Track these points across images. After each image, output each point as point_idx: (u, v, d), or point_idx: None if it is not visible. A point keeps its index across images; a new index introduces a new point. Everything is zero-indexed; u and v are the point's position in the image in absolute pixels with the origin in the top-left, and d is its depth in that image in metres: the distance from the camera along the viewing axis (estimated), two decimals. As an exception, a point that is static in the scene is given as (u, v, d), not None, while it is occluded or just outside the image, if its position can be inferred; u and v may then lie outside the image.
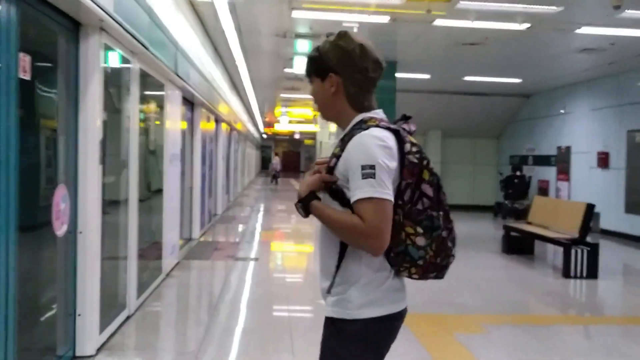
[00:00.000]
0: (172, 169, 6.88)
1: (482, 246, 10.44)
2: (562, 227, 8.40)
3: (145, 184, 5.95)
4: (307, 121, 28.92)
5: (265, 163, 50.09)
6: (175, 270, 7.04)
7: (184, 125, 8.76)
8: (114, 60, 4.50)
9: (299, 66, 11.52)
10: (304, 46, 10.52)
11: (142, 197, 5.69)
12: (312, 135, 32.72)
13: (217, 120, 13.44)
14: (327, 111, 1.96)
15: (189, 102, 9.35)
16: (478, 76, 13.01)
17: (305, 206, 1.82)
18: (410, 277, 1.85)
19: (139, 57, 5.05)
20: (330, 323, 1.83)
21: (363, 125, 1.80)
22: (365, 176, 1.68)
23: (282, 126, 31.05)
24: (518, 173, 15.58)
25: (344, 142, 1.81)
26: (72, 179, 3.86)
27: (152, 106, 6.18)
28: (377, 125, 1.79)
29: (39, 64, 3.45)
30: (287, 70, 12.87)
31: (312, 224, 11.13)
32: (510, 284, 7.36)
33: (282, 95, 19.01)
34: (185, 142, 9.26)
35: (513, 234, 9.45)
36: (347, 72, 1.87)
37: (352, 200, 1.71)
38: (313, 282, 6.87)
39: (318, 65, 1.91)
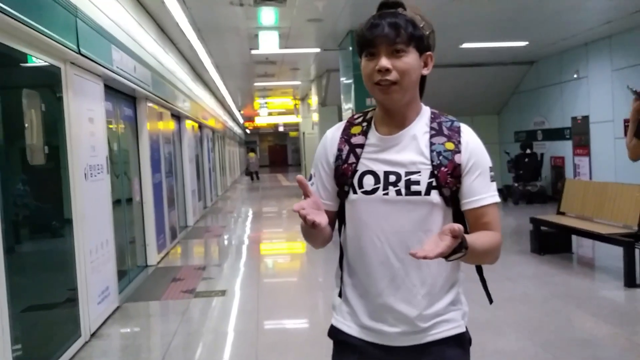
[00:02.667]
0: (90, 186, 4.98)
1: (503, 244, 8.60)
2: (611, 218, 6.58)
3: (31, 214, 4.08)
4: (288, 112, 27.01)
5: (251, 160, 48.91)
6: (108, 324, 5.15)
7: (118, 126, 6.83)
8: None
9: (266, 45, 9.62)
10: (270, 17, 8.61)
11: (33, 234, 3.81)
12: (295, 127, 30.92)
13: (179, 118, 11.53)
14: (410, 92, 1.62)
15: (129, 97, 7.45)
16: (477, 42, 11.15)
17: (466, 250, 1.43)
18: None
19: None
20: (463, 340, 1.70)
21: (454, 118, 1.69)
22: (492, 179, 1.63)
23: (263, 119, 29.17)
24: (528, 151, 13.78)
25: (446, 136, 1.62)
26: None
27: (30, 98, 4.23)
28: None
29: None
30: (254, 52, 10.93)
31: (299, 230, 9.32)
32: (561, 304, 5.48)
33: (256, 84, 17.06)
34: (127, 146, 7.36)
35: (544, 228, 7.62)
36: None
37: (482, 203, 1.60)
38: (317, 326, 4.97)
39: (422, 36, 1.59)
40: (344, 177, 1.67)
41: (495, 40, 11.14)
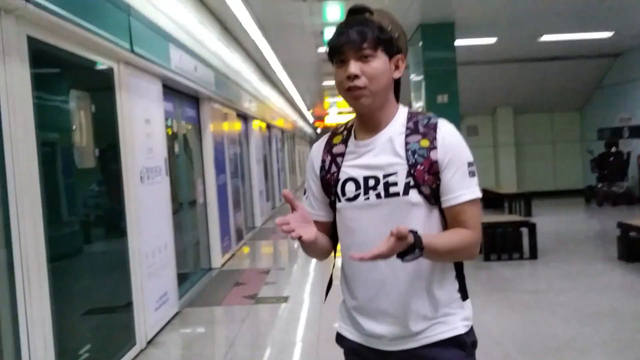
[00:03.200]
0: (147, 189, 4.85)
1: (585, 249, 7.96)
2: None
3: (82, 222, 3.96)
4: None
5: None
6: (165, 331, 5.01)
7: (180, 127, 6.73)
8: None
9: (333, 41, 9.30)
10: (335, 12, 8.32)
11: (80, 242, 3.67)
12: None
13: (246, 118, 11.44)
14: (380, 96, 1.62)
15: (192, 98, 7.35)
16: (557, 33, 10.44)
17: (421, 250, 1.45)
18: None
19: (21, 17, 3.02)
20: (461, 342, 1.66)
21: (431, 115, 1.67)
22: (472, 174, 1.61)
23: (332, 118, 28.92)
24: (613, 150, 12.87)
25: (421, 134, 1.62)
26: None
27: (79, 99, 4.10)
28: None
29: None
30: (320, 50, 10.67)
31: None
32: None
33: (325, 83, 16.83)
34: (189, 147, 7.27)
35: (632, 234, 6.94)
36: (405, 57, 1.67)
37: (458, 201, 1.59)
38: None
39: (390, 39, 1.60)
40: (329, 186, 1.70)
41: (577, 31, 10.41)
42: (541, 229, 7.42)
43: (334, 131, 1.78)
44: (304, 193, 1.81)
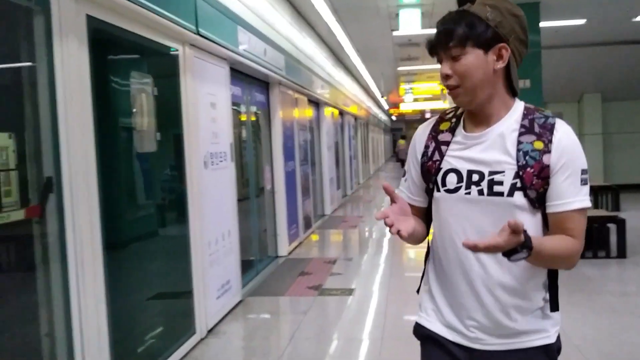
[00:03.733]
0: (211, 175, 4.74)
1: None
2: None
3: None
4: (434, 97, 25.98)
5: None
6: (227, 320, 4.91)
7: (249, 112, 6.61)
8: None
9: (407, 25, 8.98)
10: (411, -6, 7.96)
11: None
12: (443, 113, 29.75)
13: (317, 104, 11.27)
14: (481, 91, 1.55)
15: (261, 82, 7.23)
16: (655, 14, 9.63)
17: (530, 251, 1.39)
18: None
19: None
20: (546, 352, 1.61)
21: (549, 114, 1.58)
22: (584, 182, 1.54)
23: (408, 105, 28.35)
24: None
25: (536, 134, 1.54)
26: None
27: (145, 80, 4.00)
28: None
29: None
30: (396, 33, 10.32)
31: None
32: None
33: (400, 68, 16.39)
34: (258, 133, 7.17)
35: None
36: (515, 44, 1.56)
37: (566, 208, 1.52)
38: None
39: (483, 31, 1.52)
40: (429, 174, 1.67)
41: (677, 11, 9.55)
42: (631, 225, 6.84)
43: (442, 116, 1.72)
44: (403, 175, 1.79)
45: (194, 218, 4.38)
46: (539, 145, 1.53)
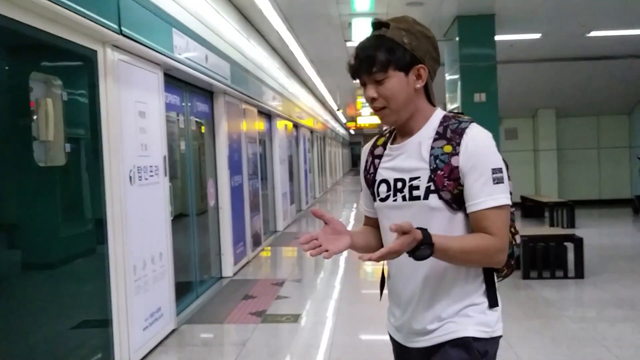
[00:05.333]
0: (138, 191, 4.26)
1: (638, 268, 7.10)
2: None
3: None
4: (392, 112, 25.84)
5: (355, 161, 52.19)
6: (156, 353, 4.41)
7: (188, 122, 6.14)
8: None
9: (360, 35, 8.64)
10: (364, 3, 7.65)
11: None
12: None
13: (270, 116, 10.86)
14: (404, 111, 1.69)
15: (205, 91, 6.77)
16: (608, 30, 9.57)
17: (431, 250, 1.50)
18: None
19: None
20: (468, 346, 1.65)
21: (462, 119, 1.68)
22: (496, 181, 1.61)
23: (365, 119, 28.14)
24: (666, 156, 11.90)
25: (447, 139, 1.65)
26: None
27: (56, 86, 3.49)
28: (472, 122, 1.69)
29: None
30: (350, 44, 10.00)
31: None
32: None
33: (356, 81, 16.10)
34: (200, 145, 6.70)
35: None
36: (430, 63, 1.69)
37: (477, 208, 1.60)
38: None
39: (402, 55, 1.64)
40: (369, 186, 1.81)
41: (630, 28, 9.51)
42: (587, 243, 6.60)
43: (381, 132, 1.86)
44: (362, 189, 1.91)
45: (114, 239, 3.89)
46: (448, 148, 1.62)
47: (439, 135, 1.65)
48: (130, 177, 4.13)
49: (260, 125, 9.78)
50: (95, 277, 3.79)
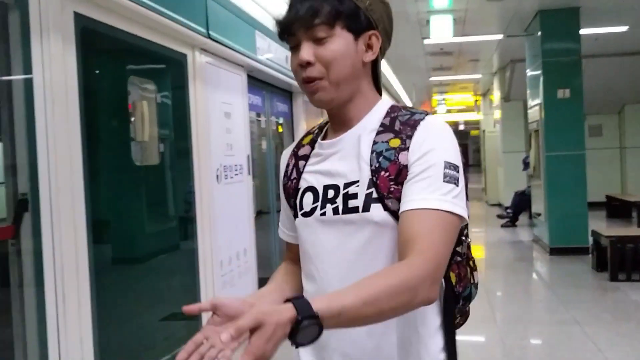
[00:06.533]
0: (224, 190, 4.42)
1: None
2: None
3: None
4: (468, 109, 25.43)
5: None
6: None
7: (269, 123, 6.30)
8: None
9: (439, 33, 8.61)
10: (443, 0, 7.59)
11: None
12: (476, 125, 29.20)
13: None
14: (345, 86, 1.27)
15: (285, 91, 6.92)
16: None
17: (319, 324, 0.97)
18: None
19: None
20: None
21: (416, 111, 1.28)
22: (447, 178, 1.15)
23: (441, 117, 27.84)
24: None
25: (394, 131, 1.24)
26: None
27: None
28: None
29: None
30: (427, 41, 9.94)
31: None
32: None
33: (432, 78, 15.98)
34: (280, 144, 6.87)
35: None
36: (382, 35, 1.30)
37: (412, 206, 1.13)
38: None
39: (355, 12, 1.24)
40: (288, 197, 1.39)
41: None
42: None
43: (309, 130, 1.46)
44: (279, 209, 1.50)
45: (203, 235, 4.06)
46: (395, 142, 1.23)
47: (385, 128, 1.27)
48: (217, 176, 4.30)
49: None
50: (186, 271, 3.97)
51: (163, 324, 3.96)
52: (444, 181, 1.16)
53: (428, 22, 8.59)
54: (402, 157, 1.20)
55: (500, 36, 9.88)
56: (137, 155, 3.49)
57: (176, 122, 3.89)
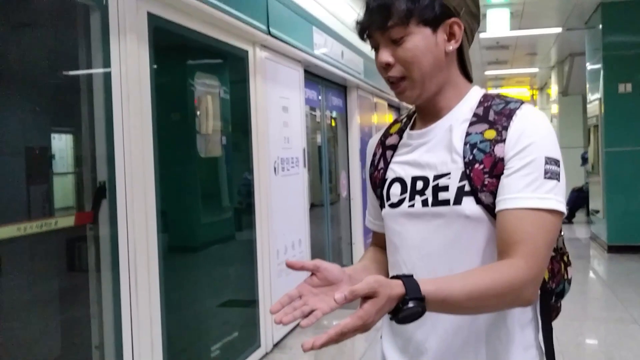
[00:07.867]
0: (281, 181, 4.56)
1: None
2: None
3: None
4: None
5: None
6: (295, 334, 4.71)
7: (324, 117, 6.41)
8: None
9: (495, 26, 8.52)
10: (500, -7, 7.51)
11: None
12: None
13: (399, 110, 10.96)
14: (431, 81, 1.20)
15: (339, 86, 7.01)
16: None
17: (422, 307, 0.98)
18: None
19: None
20: None
21: (510, 99, 1.19)
22: (548, 175, 1.09)
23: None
24: None
25: (489, 122, 1.17)
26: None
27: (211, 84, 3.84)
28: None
29: None
30: (483, 35, 9.83)
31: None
32: None
33: (487, 72, 15.75)
34: (334, 138, 6.97)
35: None
36: (466, 19, 1.21)
37: (513, 205, 1.09)
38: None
39: (430, 4, 1.16)
40: (375, 187, 1.35)
41: None
42: None
43: (397, 118, 1.40)
44: None
45: (260, 225, 4.21)
46: (490, 134, 1.16)
47: (478, 118, 1.21)
48: (275, 168, 4.44)
49: (390, 118, 9.89)
50: (245, 259, 4.12)
51: (221, 309, 4.13)
52: (545, 178, 1.11)
53: (485, 15, 8.50)
54: (498, 150, 1.14)
55: (559, 29, 9.68)
56: (201, 148, 3.66)
57: (237, 115, 4.04)
